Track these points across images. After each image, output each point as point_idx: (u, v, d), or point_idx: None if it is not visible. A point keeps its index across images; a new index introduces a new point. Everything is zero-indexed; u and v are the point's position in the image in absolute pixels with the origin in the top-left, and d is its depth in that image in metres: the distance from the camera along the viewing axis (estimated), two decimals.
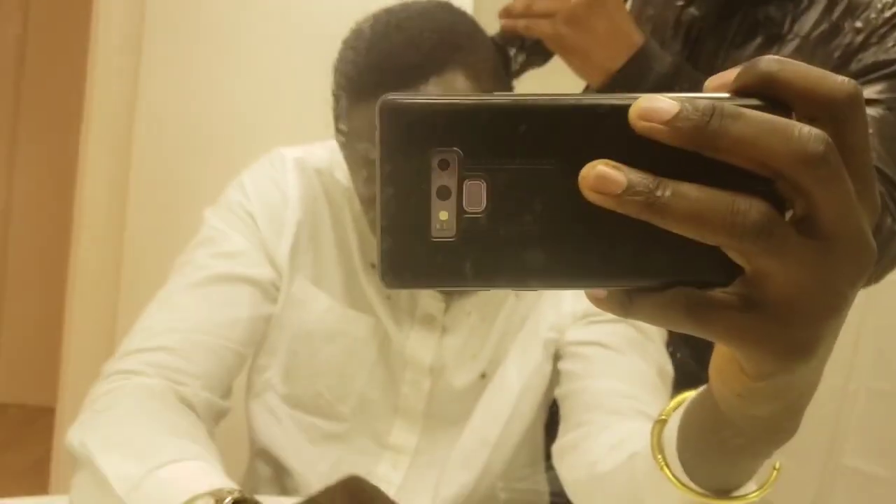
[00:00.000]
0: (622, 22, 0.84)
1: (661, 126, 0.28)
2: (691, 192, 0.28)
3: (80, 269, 1.91)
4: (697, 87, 0.83)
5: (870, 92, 0.90)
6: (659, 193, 0.28)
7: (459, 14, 0.81)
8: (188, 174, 1.79)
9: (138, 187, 1.85)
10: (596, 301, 0.32)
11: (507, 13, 0.85)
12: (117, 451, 0.67)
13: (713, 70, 0.33)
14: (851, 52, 0.93)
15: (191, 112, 1.84)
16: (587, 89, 0.92)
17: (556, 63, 0.90)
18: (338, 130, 0.81)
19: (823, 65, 0.94)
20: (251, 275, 0.85)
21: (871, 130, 0.84)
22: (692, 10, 1.04)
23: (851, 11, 0.94)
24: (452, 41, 0.76)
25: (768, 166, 0.28)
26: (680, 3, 1.08)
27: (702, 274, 0.30)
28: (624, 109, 0.28)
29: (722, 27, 1.01)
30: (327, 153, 0.92)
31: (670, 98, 0.28)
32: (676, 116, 0.28)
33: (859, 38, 0.93)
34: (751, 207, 0.28)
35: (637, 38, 0.85)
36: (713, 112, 0.28)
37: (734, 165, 0.28)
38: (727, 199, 0.28)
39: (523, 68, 0.86)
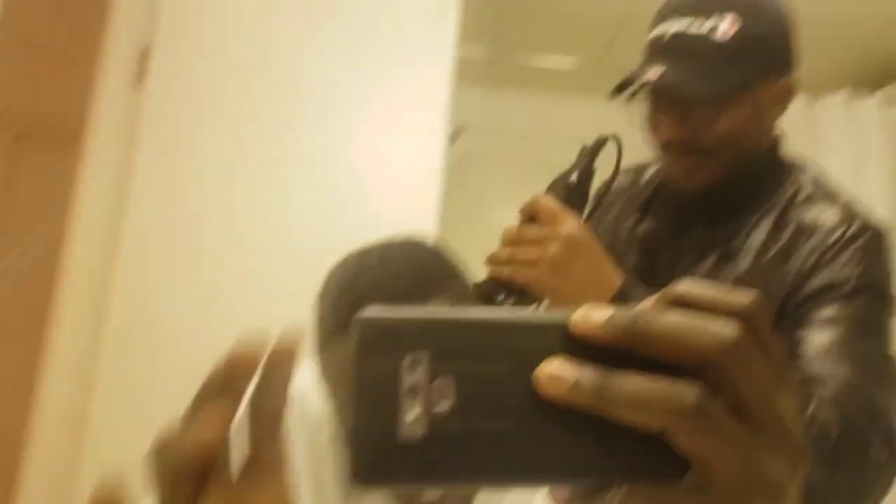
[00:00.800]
0: (601, 265, 0.88)
1: (599, 327, 0.32)
2: (633, 380, 0.31)
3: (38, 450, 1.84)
4: None
5: (827, 313, 0.96)
6: (606, 384, 0.31)
7: (439, 251, 0.87)
8: (157, 375, 1.80)
9: (106, 376, 1.85)
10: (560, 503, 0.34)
11: (492, 261, 0.91)
12: None
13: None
14: (804, 276, 1.00)
15: (167, 317, 1.89)
16: None
17: None
18: (317, 358, 0.82)
19: (779, 287, 1.01)
20: None
21: (832, 350, 0.92)
22: (645, 226, 1.16)
23: (800, 234, 1.03)
24: (435, 273, 0.81)
25: (694, 355, 0.31)
26: (630, 221, 1.19)
27: (655, 470, 0.32)
28: (567, 319, 0.33)
29: (677, 243, 1.12)
30: (307, 372, 0.93)
31: (604, 307, 0.32)
32: (611, 318, 0.32)
33: (811, 262, 1.01)
34: (689, 390, 0.30)
35: (616, 279, 0.89)
36: (639, 314, 0.32)
37: (664, 362, 0.32)
38: (666, 384, 0.31)
39: None
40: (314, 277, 0.86)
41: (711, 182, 1.07)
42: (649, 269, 1.12)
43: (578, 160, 0.92)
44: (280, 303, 1.35)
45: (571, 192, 0.90)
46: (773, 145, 1.12)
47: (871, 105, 2.69)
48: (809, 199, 1.08)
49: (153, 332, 1.89)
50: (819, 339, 0.94)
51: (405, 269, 0.81)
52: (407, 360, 0.32)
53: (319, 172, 2.03)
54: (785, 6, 1.06)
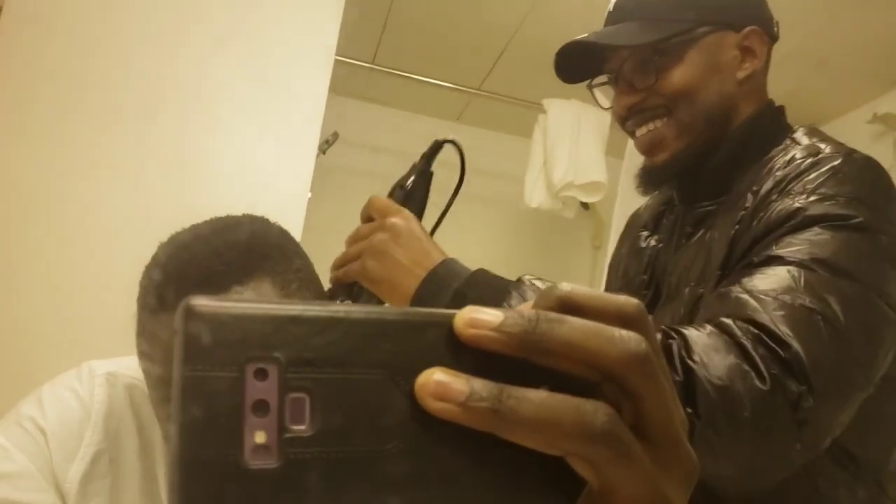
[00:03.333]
0: (421, 248, 0.85)
1: (489, 332, 0.27)
2: (535, 396, 0.27)
3: None
4: (497, 293, 0.81)
5: (767, 253, 0.82)
6: (502, 401, 0.26)
7: (271, 226, 0.80)
8: None
9: None
10: None
11: (333, 266, 0.90)
12: None
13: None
14: (748, 219, 0.89)
15: None
16: None
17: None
18: (138, 345, 0.75)
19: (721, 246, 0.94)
20: (26, 502, 0.74)
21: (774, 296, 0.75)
22: (654, 240, 1.14)
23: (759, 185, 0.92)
24: (260, 251, 0.74)
25: (597, 367, 0.28)
26: (642, 239, 1.16)
27: (543, 499, 0.28)
28: (447, 320, 0.28)
29: (672, 231, 1.08)
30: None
31: (491, 309, 0.28)
32: (504, 322, 0.27)
33: (756, 201, 0.90)
34: (597, 409, 0.27)
35: (436, 259, 0.85)
36: (538, 317, 0.27)
37: (561, 375, 0.28)
38: (572, 402, 0.27)
39: None
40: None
41: (681, 151, 1.00)
42: (654, 272, 1.09)
43: (415, 164, 0.93)
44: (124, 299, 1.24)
45: (407, 194, 0.90)
46: (759, 114, 1.02)
47: None
48: (791, 157, 0.93)
49: None
50: (769, 287, 0.77)
51: (228, 243, 0.74)
52: (252, 368, 0.25)
53: (182, 165, 1.93)
54: None
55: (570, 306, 0.29)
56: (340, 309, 0.27)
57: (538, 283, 0.81)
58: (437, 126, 3.23)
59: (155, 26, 1.96)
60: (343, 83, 2.54)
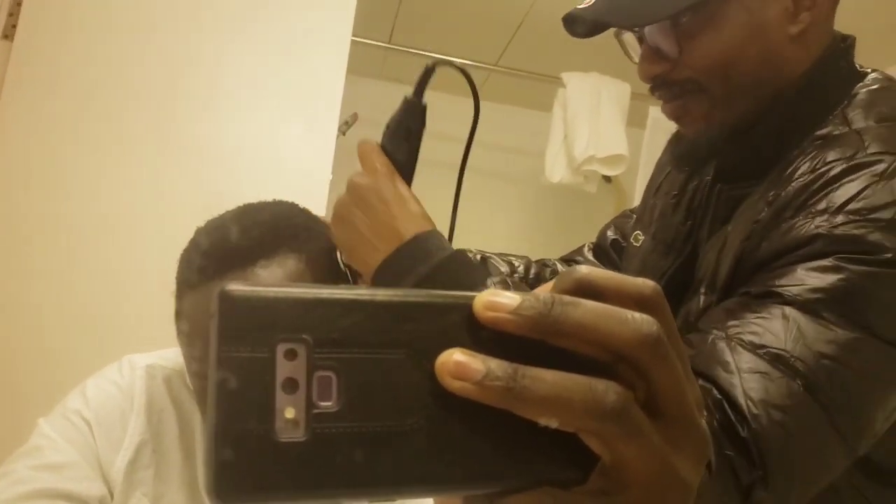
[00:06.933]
0: (387, 215, 0.74)
1: (507, 315, 0.28)
2: (548, 376, 0.28)
3: None
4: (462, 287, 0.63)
5: (773, 286, 0.68)
6: (518, 379, 0.28)
7: (301, 210, 0.85)
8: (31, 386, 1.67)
9: None
10: None
11: None
12: None
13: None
14: (760, 231, 0.75)
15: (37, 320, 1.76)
16: None
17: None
18: (177, 317, 0.79)
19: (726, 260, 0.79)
20: (76, 491, 0.77)
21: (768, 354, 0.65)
22: (688, 194, 0.99)
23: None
24: (287, 229, 0.79)
25: (610, 348, 0.29)
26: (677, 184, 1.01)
27: (559, 472, 0.30)
28: (467, 303, 0.29)
29: (709, 207, 0.94)
30: (181, 358, 0.89)
31: (510, 293, 0.29)
32: (520, 305, 0.28)
33: (771, 211, 0.75)
34: (608, 388, 0.28)
35: (405, 232, 0.73)
36: (553, 300, 0.29)
37: (576, 355, 0.29)
38: (584, 381, 0.28)
39: None
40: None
41: (715, 124, 0.83)
42: (684, 251, 0.94)
43: (405, 98, 0.79)
44: (148, 290, 1.27)
45: (387, 132, 0.78)
46: (814, 72, 0.81)
47: None
48: (819, 161, 0.75)
49: None
50: (752, 335, 0.66)
51: (257, 222, 0.78)
52: (282, 348, 0.26)
53: (203, 151, 1.94)
54: None
55: (588, 289, 0.30)
56: (365, 292, 0.28)
57: (508, 283, 0.76)
58: (457, 103, 3.22)
59: (172, 10, 1.96)
60: (360, 63, 2.53)
